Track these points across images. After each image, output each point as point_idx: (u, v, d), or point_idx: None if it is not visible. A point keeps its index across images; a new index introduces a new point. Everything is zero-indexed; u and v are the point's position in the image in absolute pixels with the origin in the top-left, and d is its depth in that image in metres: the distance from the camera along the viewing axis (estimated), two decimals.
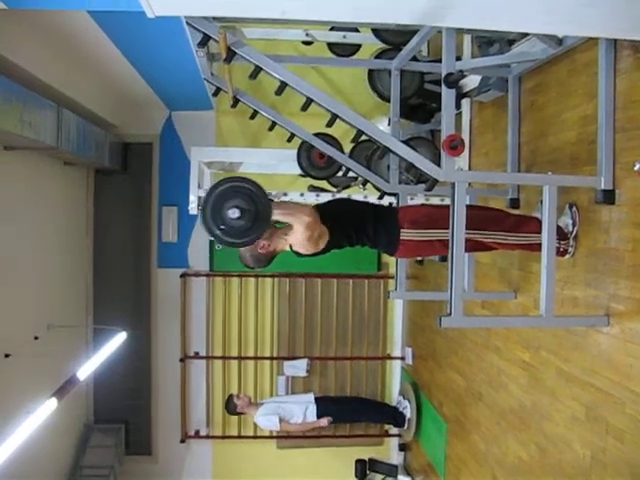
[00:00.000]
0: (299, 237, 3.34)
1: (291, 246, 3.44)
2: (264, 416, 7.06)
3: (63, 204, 7.17)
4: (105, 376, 7.08)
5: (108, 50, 5.20)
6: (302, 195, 5.31)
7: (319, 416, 7.16)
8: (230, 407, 7.17)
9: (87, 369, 5.61)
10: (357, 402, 7.78)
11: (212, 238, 3.04)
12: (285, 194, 5.29)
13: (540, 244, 3.35)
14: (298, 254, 3.48)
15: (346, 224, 3.50)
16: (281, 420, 7.05)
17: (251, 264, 3.50)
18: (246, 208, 2.90)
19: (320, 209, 3.54)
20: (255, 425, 7.63)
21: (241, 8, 2.82)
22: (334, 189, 5.67)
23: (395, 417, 7.55)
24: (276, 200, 3.63)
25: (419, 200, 5.27)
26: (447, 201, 5.18)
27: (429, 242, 3.51)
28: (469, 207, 3.31)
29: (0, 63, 4.53)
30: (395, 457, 8.08)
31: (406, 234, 3.51)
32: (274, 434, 7.88)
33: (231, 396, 7.22)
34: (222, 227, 2.94)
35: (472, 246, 3.54)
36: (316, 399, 7.30)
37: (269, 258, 3.50)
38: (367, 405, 7.78)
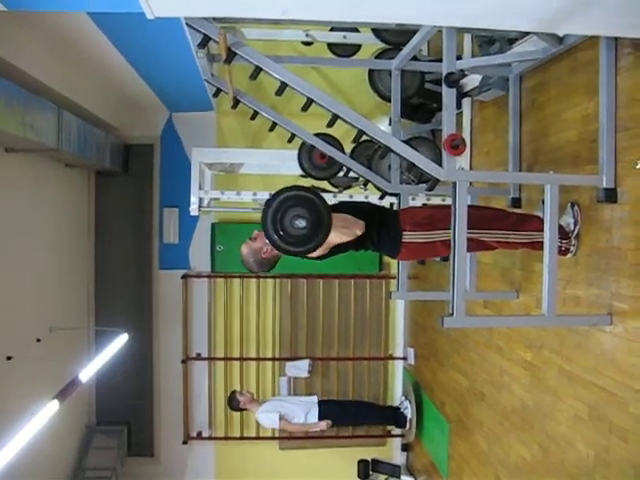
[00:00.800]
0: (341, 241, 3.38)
1: None
2: (265, 413, 7.07)
3: (64, 206, 7.18)
4: (107, 378, 7.09)
5: (108, 52, 5.20)
6: None
7: (320, 418, 7.16)
8: (233, 403, 7.18)
9: (89, 371, 5.61)
10: (359, 405, 7.78)
11: (270, 243, 3.12)
12: None
13: (542, 242, 3.34)
14: (306, 257, 3.46)
15: None
16: (281, 418, 7.05)
17: (255, 269, 3.50)
18: (309, 218, 2.99)
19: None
20: (258, 426, 7.65)
21: (241, 8, 2.81)
22: (335, 189, 5.67)
23: (396, 418, 7.54)
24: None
25: (421, 200, 5.27)
26: (448, 201, 5.17)
27: (431, 243, 3.49)
28: (470, 207, 3.30)
29: (0, 65, 4.53)
30: (398, 457, 8.08)
31: (408, 237, 3.49)
32: (276, 434, 7.89)
33: (234, 392, 7.24)
34: (281, 233, 3.01)
35: (474, 245, 3.53)
36: (319, 402, 7.30)
37: (272, 262, 3.49)
38: (368, 408, 7.77)
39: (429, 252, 3.74)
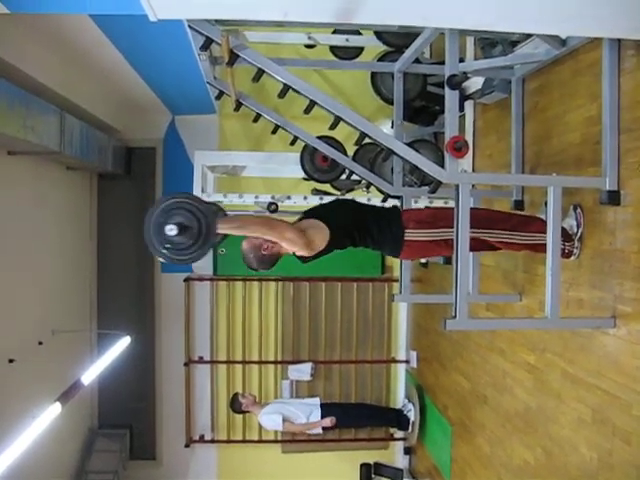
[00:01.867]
0: (283, 245, 3.33)
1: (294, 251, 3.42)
2: (268, 415, 7.07)
3: (66, 209, 7.18)
4: (109, 381, 7.09)
5: (111, 54, 5.21)
6: (305, 198, 5.31)
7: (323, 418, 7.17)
8: (235, 405, 7.18)
9: (91, 374, 5.61)
10: (361, 407, 7.78)
11: (160, 259, 3.00)
12: (288, 197, 5.29)
13: (545, 245, 3.33)
14: (302, 259, 3.46)
15: (349, 223, 3.47)
16: (284, 420, 7.05)
17: (254, 265, 3.48)
18: (187, 225, 2.84)
19: (318, 210, 3.54)
20: (260, 429, 7.64)
21: (243, 10, 2.82)
22: (338, 192, 5.67)
23: (399, 420, 7.54)
24: (232, 214, 3.54)
25: (423, 202, 5.27)
26: (451, 203, 5.17)
27: (434, 242, 3.49)
28: (473, 208, 3.30)
29: (3, 67, 4.53)
30: (400, 461, 8.06)
31: (411, 234, 3.49)
32: (279, 437, 7.88)
33: (236, 394, 7.24)
34: (167, 246, 2.90)
35: (477, 245, 3.53)
36: (322, 404, 7.30)
37: (273, 260, 3.47)
38: (371, 410, 7.77)
39: (431, 251, 3.73)
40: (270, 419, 7.06)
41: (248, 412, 7.27)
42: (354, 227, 3.48)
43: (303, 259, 3.45)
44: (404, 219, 3.53)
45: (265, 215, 3.58)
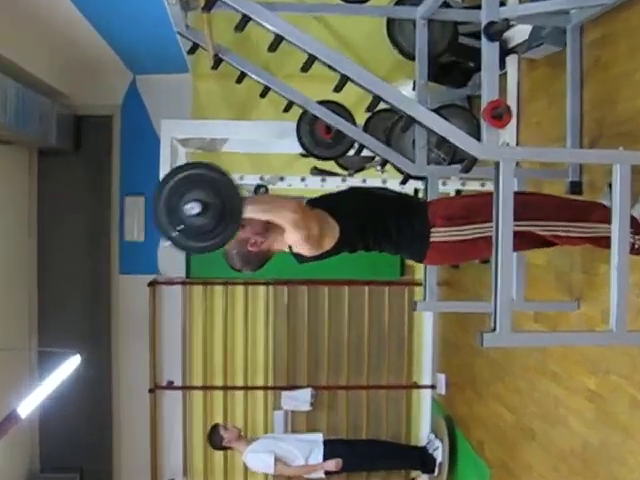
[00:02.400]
0: (293, 237, 3.32)
1: (290, 247, 3.42)
2: (255, 453, 7.02)
3: None
4: (54, 412, 7.06)
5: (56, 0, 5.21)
6: (303, 180, 5.32)
7: (326, 460, 7.15)
8: (215, 439, 7.15)
9: (31, 403, 5.61)
10: (374, 445, 7.78)
11: (168, 243, 3.00)
12: (281, 179, 5.30)
13: (609, 238, 3.33)
14: (300, 258, 3.45)
15: (362, 221, 3.46)
16: (277, 460, 7.01)
17: (237, 265, 3.48)
18: (209, 202, 2.83)
19: (327, 200, 3.53)
20: (246, 471, 7.66)
21: None
22: (344, 172, 5.67)
23: (422, 461, 7.55)
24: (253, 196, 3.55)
25: (454, 185, 5.27)
26: (489, 186, 5.16)
27: (470, 242, 3.47)
28: (518, 193, 3.29)
29: None
30: None
31: (438, 234, 3.46)
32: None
33: (217, 426, 7.22)
34: (180, 228, 2.89)
35: (524, 242, 3.51)
36: (325, 442, 7.28)
37: (261, 259, 3.47)
38: (387, 448, 7.77)
39: (466, 254, 3.71)
40: (258, 459, 7.04)
41: (230, 448, 7.26)
42: (369, 226, 3.47)
43: (301, 258, 3.45)
44: (429, 214, 3.52)
45: (292, 196, 3.57)
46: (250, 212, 3.04)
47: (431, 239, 3.46)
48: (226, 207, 2.87)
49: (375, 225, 3.48)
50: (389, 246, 3.56)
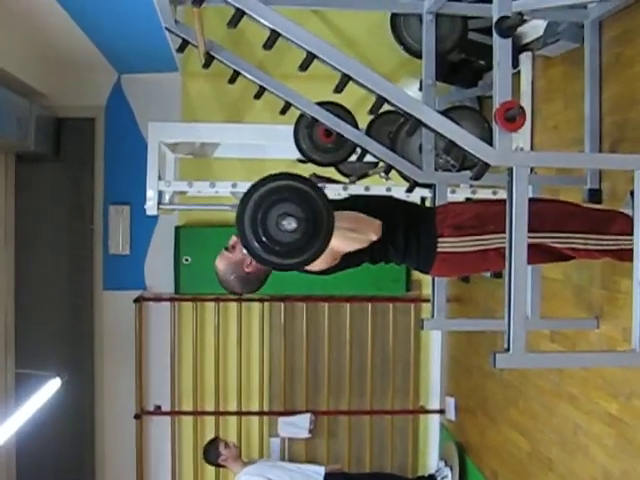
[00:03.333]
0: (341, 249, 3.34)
1: None
2: (249, 477, 7.02)
3: None
4: (32, 439, 7.06)
5: None
6: None
7: None
8: (210, 454, 7.15)
9: (7, 430, 5.61)
10: (382, 477, 7.77)
11: (249, 253, 3.02)
12: None
13: (631, 251, 3.33)
14: (306, 271, 3.45)
15: None
16: None
17: (237, 289, 3.49)
18: (303, 217, 2.87)
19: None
20: None
21: None
22: (345, 179, 5.67)
23: None
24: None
25: (463, 193, 5.27)
26: (502, 193, 5.17)
27: (481, 253, 3.48)
28: (534, 200, 3.29)
29: None
30: None
31: (446, 244, 3.47)
32: None
33: (216, 440, 7.22)
34: (263, 240, 2.90)
35: (538, 255, 3.51)
36: (326, 475, 7.27)
37: (261, 279, 3.47)
38: None
39: (476, 266, 3.71)
40: None
41: (224, 467, 7.26)
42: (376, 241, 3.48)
43: (305, 270, 3.45)
44: (437, 222, 3.53)
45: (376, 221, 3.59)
46: (336, 230, 3.04)
47: (438, 249, 3.47)
48: (317, 224, 2.92)
49: (382, 237, 3.48)
50: (395, 256, 3.57)
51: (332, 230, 2.97)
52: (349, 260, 3.47)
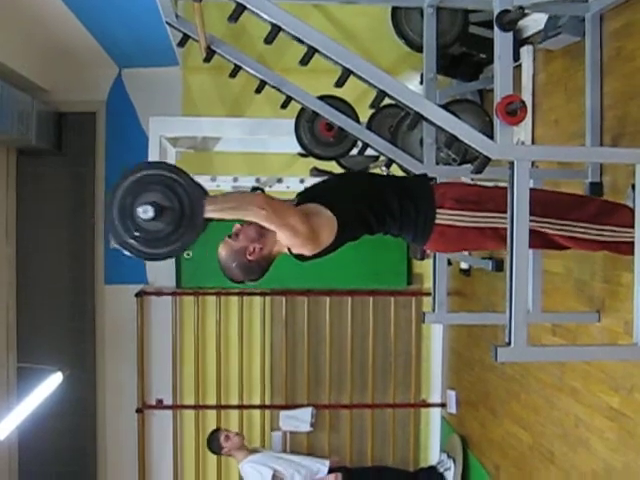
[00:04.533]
0: (283, 239, 3.32)
1: (289, 248, 3.42)
2: (253, 464, 7.08)
3: None
4: (34, 433, 7.08)
5: None
6: (302, 181, 5.33)
7: None
8: (213, 446, 7.25)
9: (10, 424, 5.61)
10: (381, 472, 7.78)
11: (126, 253, 2.99)
12: (279, 180, 5.30)
13: (632, 243, 3.33)
14: (301, 257, 3.45)
15: (362, 205, 3.46)
16: (275, 477, 7.05)
17: (240, 277, 3.47)
18: (165, 205, 2.85)
19: (317, 192, 3.54)
20: None
21: None
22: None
23: None
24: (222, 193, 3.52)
25: None
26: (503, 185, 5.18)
27: (479, 230, 3.48)
28: (534, 190, 3.28)
29: None
30: None
31: (445, 217, 3.47)
32: None
33: (217, 432, 7.25)
34: (137, 234, 2.91)
35: (539, 242, 3.52)
36: (330, 470, 7.35)
37: (263, 266, 3.46)
38: (393, 475, 7.78)
39: (472, 242, 3.70)
40: (255, 470, 7.06)
41: (229, 455, 7.29)
42: (369, 209, 3.46)
43: (302, 258, 3.45)
44: (437, 195, 3.53)
45: (259, 192, 3.56)
46: (212, 212, 3.01)
47: (437, 221, 3.47)
48: (184, 210, 2.90)
49: (376, 208, 3.47)
50: (393, 226, 3.55)
51: (200, 213, 2.94)
52: (343, 237, 3.45)
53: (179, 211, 2.88)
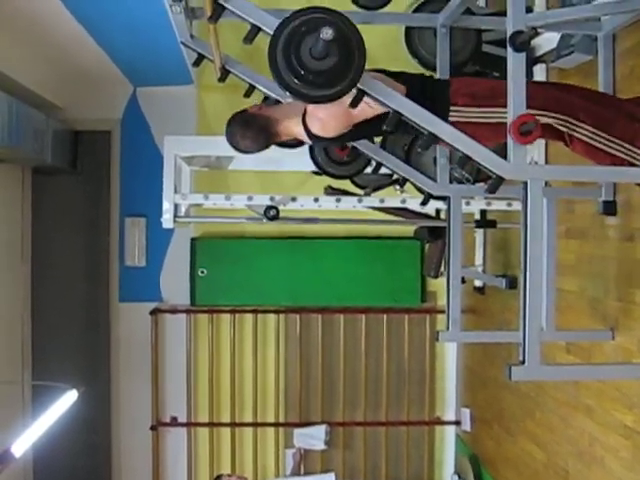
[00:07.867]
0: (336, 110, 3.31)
1: (306, 125, 3.43)
2: None
3: None
4: (49, 451, 7.08)
5: (52, 7, 5.24)
6: (317, 200, 5.33)
7: None
8: None
9: (25, 442, 5.62)
10: None
11: (287, 90, 2.90)
12: (293, 199, 5.31)
13: None
14: (315, 137, 3.46)
15: None
16: None
17: (238, 134, 3.52)
18: (339, 36, 2.74)
19: None
20: None
21: None
22: (361, 191, 5.68)
23: None
24: None
25: (477, 204, 5.27)
26: (515, 206, 5.18)
27: (493, 126, 3.45)
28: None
29: None
30: None
31: (459, 114, 3.44)
32: None
33: (220, 477, 7.22)
34: (302, 74, 2.83)
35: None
36: None
37: (261, 126, 3.49)
38: None
39: (485, 137, 3.64)
40: None
41: None
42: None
43: (317, 139, 3.49)
44: (451, 92, 3.51)
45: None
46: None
47: (450, 119, 3.44)
48: (352, 47, 2.83)
49: None
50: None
51: (364, 58, 2.86)
52: (364, 129, 3.47)
53: (352, 43, 2.82)
